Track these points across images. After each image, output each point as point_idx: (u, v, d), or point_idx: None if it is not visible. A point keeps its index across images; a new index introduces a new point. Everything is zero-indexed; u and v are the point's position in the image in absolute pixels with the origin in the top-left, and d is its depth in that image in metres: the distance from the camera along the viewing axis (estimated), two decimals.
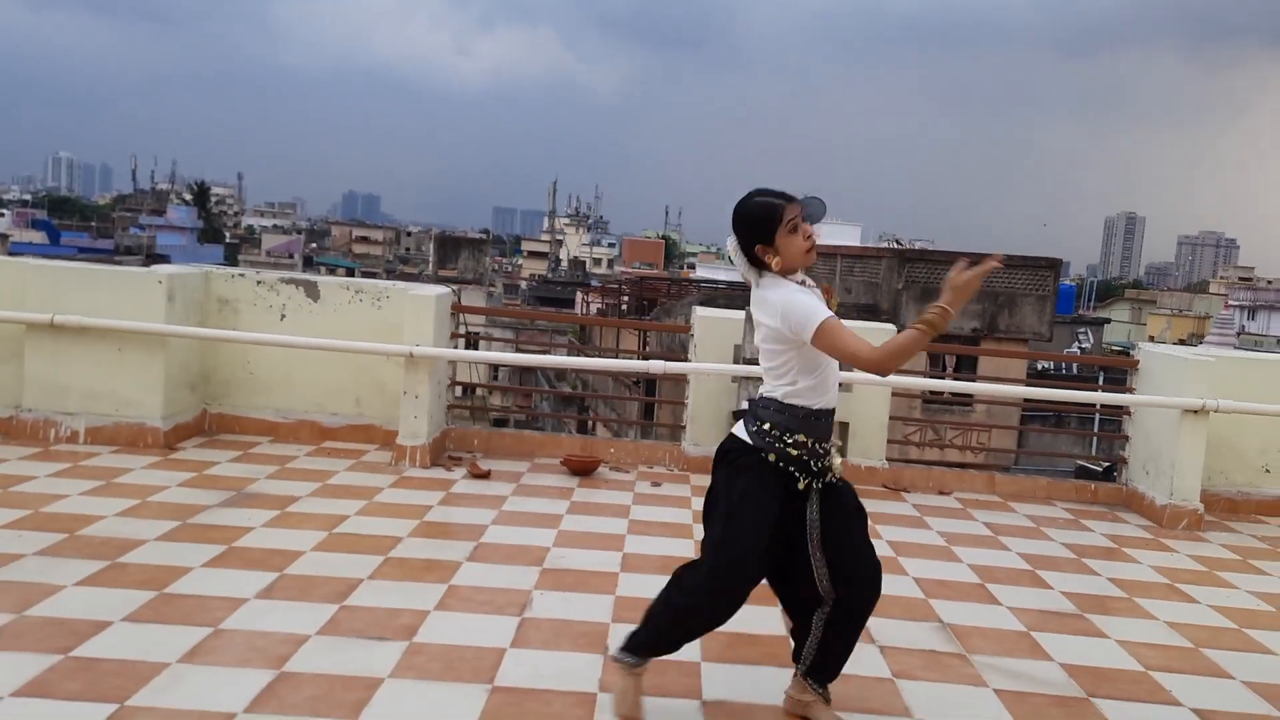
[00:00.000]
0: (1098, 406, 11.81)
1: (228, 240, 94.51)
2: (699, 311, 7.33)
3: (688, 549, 5.39)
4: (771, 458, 3.28)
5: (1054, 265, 21.59)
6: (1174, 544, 6.35)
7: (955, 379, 8.52)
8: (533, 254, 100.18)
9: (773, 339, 3.27)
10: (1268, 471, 7.34)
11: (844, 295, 20.70)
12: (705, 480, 6.99)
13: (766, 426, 3.30)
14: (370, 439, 7.39)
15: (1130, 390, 7.50)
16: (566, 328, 35.79)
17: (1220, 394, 6.77)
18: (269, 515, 5.46)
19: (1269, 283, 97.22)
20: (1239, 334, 67.53)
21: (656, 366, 6.91)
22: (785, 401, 3.29)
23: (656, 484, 6.86)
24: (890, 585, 5.06)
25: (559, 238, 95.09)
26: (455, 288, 8.19)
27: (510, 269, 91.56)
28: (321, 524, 5.38)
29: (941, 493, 7.24)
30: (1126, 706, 3.87)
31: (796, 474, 3.30)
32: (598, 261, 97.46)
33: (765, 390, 3.36)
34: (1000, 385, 9.73)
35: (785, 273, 3.26)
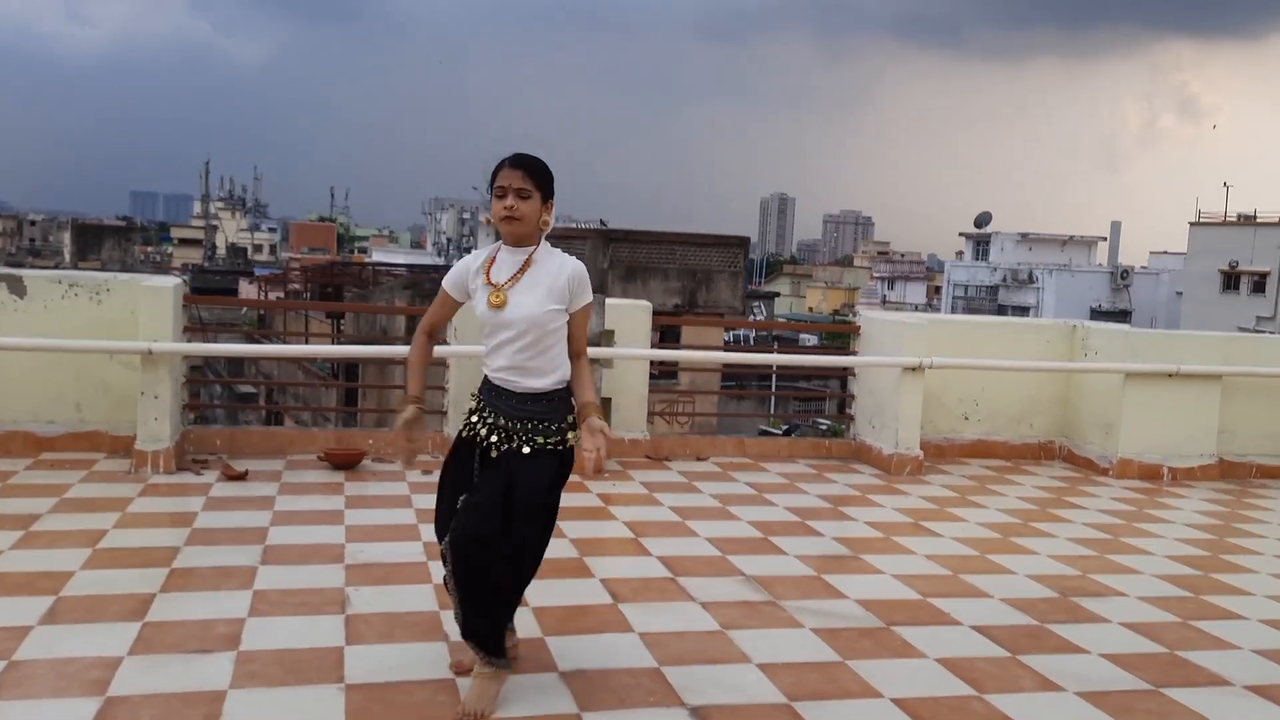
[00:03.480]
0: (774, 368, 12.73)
1: None
2: None
3: None
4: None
5: (743, 243, 23.03)
6: (905, 488, 7.05)
7: (685, 350, 8.97)
8: (184, 241, 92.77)
9: None
10: (966, 419, 8.28)
11: None
12: None
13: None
14: (96, 447, 6.76)
15: (854, 353, 8.20)
16: (237, 319, 33.86)
17: (930, 353, 7.55)
18: (13, 536, 4.92)
19: (902, 256, 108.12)
20: (883, 302, 74.74)
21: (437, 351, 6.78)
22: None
23: (427, 471, 6.75)
24: (688, 546, 5.36)
25: (214, 223, 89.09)
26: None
27: (159, 259, 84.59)
28: (80, 541, 4.91)
29: (699, 458, 7.62)
30: (920, 630, 4.31)
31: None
32: (259, 248, 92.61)
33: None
34: (756, 355, 10.29)
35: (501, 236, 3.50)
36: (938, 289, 78.56)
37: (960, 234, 67.68)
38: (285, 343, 21.87)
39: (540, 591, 4.37)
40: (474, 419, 3.46)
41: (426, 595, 4.42)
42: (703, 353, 8.24)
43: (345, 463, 6.75)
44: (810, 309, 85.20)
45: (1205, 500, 7.17)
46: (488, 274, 3.42)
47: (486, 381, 3.47)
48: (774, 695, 3.60)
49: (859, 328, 8.20)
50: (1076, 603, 4.77)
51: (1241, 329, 32.40)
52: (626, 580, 4.76)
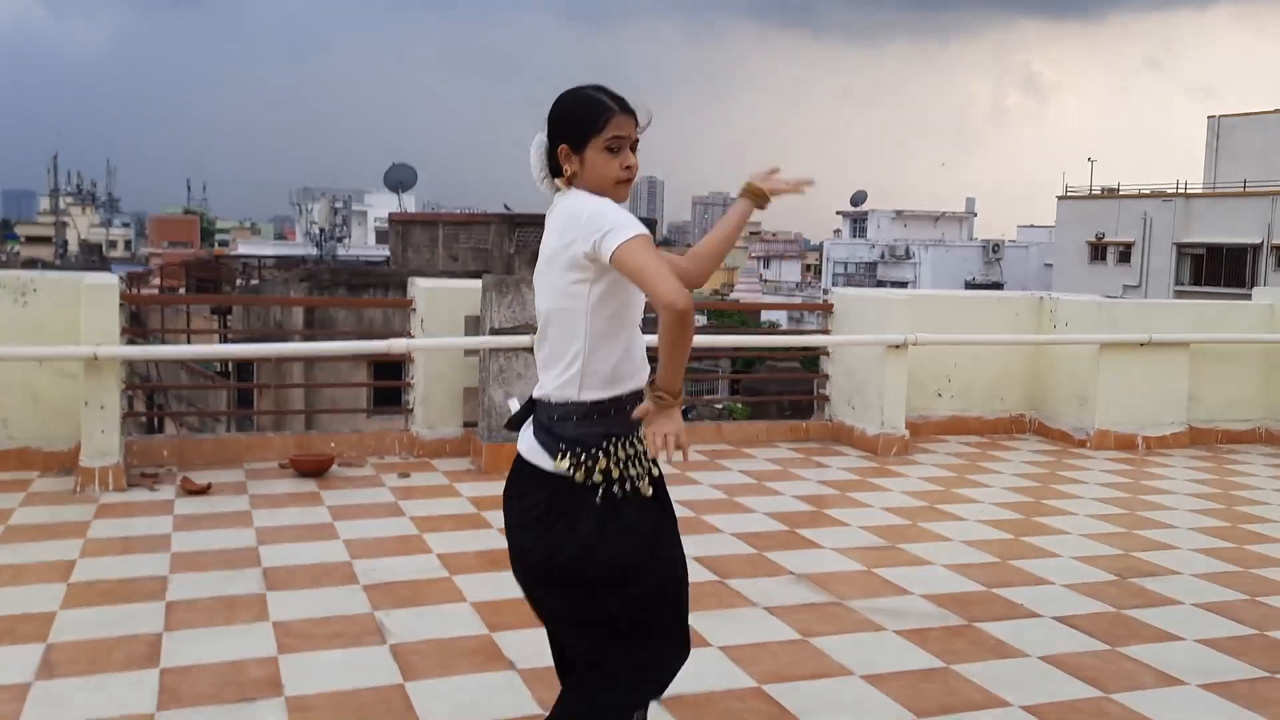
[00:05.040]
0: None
1: None
2: (421, 283, 6.75)
3: (497, 538, 4.93)
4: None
5: (652, 224, 22.80)
6: (899, 469, 6.83)
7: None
8: (32, 239, 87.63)
9: (575, 269, 2.39)
10: (939, 395, 8.14)
11: (450, 264, 20.30)
12: (450, 465, 6.59)
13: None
14: (27, 465, 6.05)
15: (827, 332, 7.97)
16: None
17: (913, 330, 7.35)
18: None
19: (774, 235, 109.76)
20: (761, 281, 75.61)
21: (400, 345, 6.26)
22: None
23: (404, 474, 6.25)
24: (717, 544, 5.03)
25: (64, 219, 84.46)
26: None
27: (5, 258, 79.70)
28: (48, 575, 4.30)
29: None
30: (1005, 625, 4.06)
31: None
32: (114, 244, 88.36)
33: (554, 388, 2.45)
34: (730, 337, 9.97)
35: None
36: (808, 267, 79.95)
37: (838, 212, 68.85)
38: (167, 342, 20.65)
39: None
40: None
41: (467, 616, 3.98)
42: (718, 336, 7.88)
43: (314, 469, 6.18)
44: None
45: (1191, 469, 7.16)
46: None
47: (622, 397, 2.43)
48: (897, 712, 3.30)
49: (831, 306, 7.97)
50: (1140, 585, 4.60)
51: (1109, 297, 33.64)
52: None
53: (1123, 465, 7.18)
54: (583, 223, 2.33)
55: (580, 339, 2.37)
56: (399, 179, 25.34)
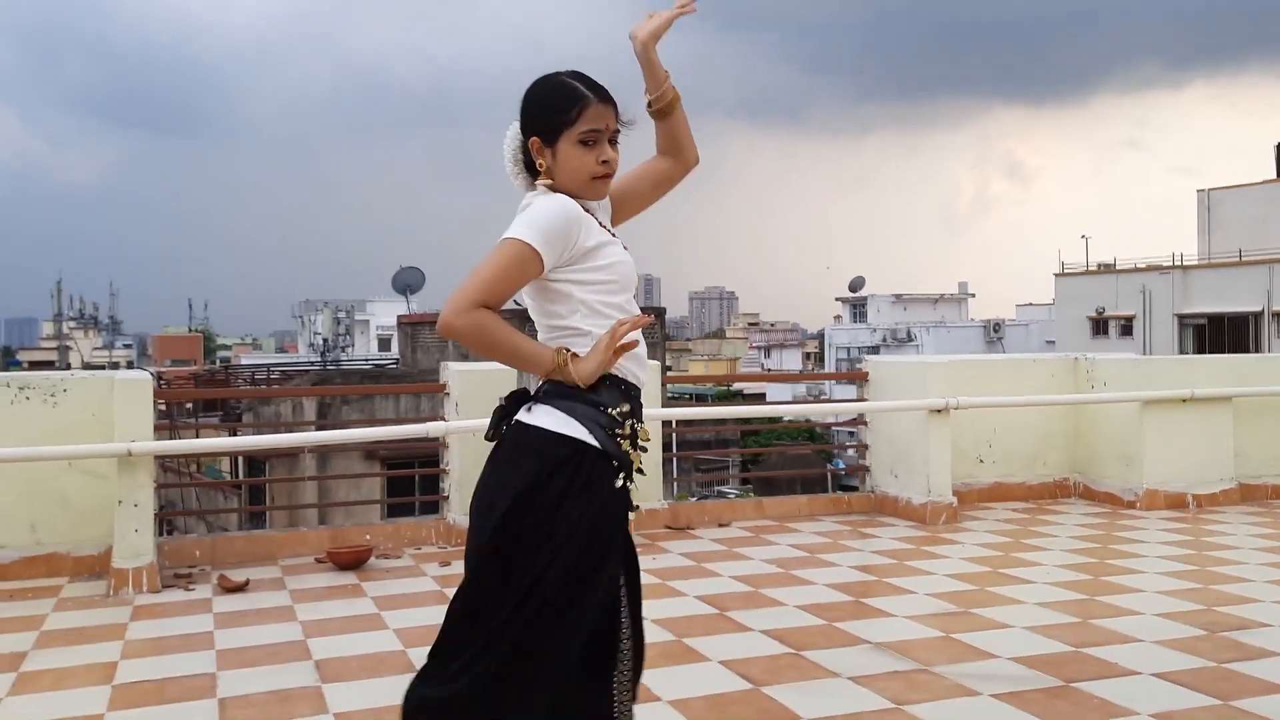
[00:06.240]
0: None
1: None
2: (454, 366, 6.64)
3: None
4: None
5: (660, 313, 22.85)
6: (952, 537, 6.63)
7: (701, 408, 8.38)
8: (35, 364, 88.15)
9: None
10: (981, 461, 7.97)
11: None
12: None
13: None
14: (56, 571, 5.85)
15: (863, 401, 7.83)
16: None
17: (954, 394, 7.22)
18: (5, 679, 4.08)
19: (772, 325, 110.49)
20: (764, 370, 75.69)
21: (439, 428, 6.12)
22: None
23: (445, 564, 6.05)
24: (782, 616, 4.82)
25: (67, 344, 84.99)
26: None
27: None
28: (91, 678, 4.10)
29: (720, 524, 7.08)
30: (1103, 684, 3.85)
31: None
32: (116, 365, 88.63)
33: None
34: (773, 408, 9.83)
35: (561, 192, 2.36)
36: (808, 355, 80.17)
37: (837, 298, 69.30)
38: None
39: (661, 680, 3.79)
40: (625, 446, 2.32)
41: None
42: (719, 409, 7.76)
43: (351, 562, 5.99)
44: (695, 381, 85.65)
45: (1250, 524, 6.95)
46: (604, 227, 2.42)
47: (618, 385, 2.34)
48: None
49: (866, 374, 7.85)
50: (1233, 638, 4.38)
51: None
52: (746, 660, 4.18)
53: (1179, 524, 6.97)
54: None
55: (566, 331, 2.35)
56: (407, 282, 25.46)
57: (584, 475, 2.24)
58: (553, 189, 2.35)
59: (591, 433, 2.26)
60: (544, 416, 2.29)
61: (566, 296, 2.32)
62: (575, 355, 2.29)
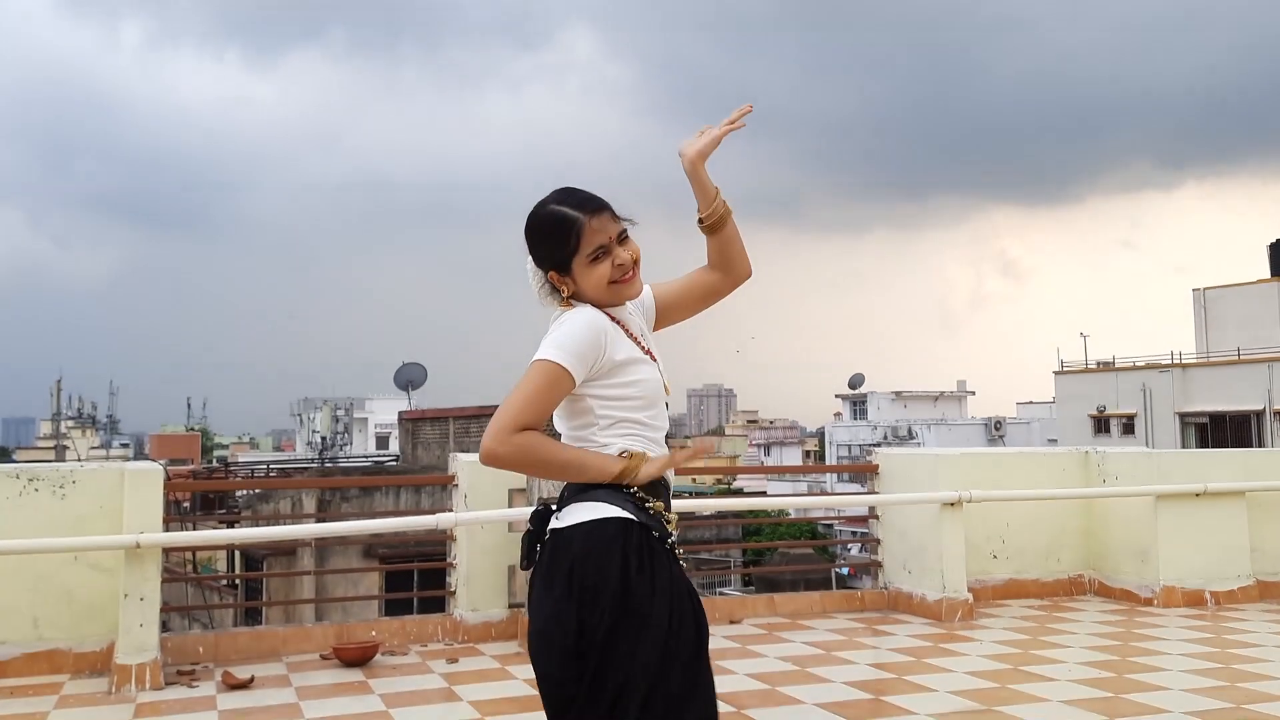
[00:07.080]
0: None
1: None
2: (463, 458, 6.61)
3: None
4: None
5: None
6: (970, 634, 6.52)
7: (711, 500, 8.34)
8: (31, 464, 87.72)
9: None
10: (995, 557, 7.87)
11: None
12: (498, 649, 6.26)
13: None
14: (57, 668, 5.73)
15: (873, 494, 7.77)
16: None
17: (967, 487, 7.17)
18: None
19: (771, 423, 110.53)
20: (763, 467, 75.33)
21: (449, 519, 6.06)
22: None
23: (452, 660, 5.93)
24: (801, 715, 4.70)
25: (64, 443, 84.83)
26: None
27: None
28: None
29: (732, 621, 6.97)
30: None
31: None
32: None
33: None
34: (784, 500, 9.78)
35: (592, 304, 2.45)
36: (808, 453, 79.89)
37: (837, 395, 69.34)
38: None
39: None
40: (658, 509, 2.38)
41: None
42: (726, 500, 7.69)
43: (358, 659, 5.87)
44: (694, 479, 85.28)
45: (1271, 623, 6.84)
46: (634, 339, 2.47)
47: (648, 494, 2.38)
48: None
49: (876, 466, 7.81)
50: None
51: None
52: None
53: (1199, 621, 6.86)
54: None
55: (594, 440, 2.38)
56: (409, 377, 25.54)
57: (635, 542, 2.27)
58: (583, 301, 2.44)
59: (625, 509, 2.30)
60: (577, 513, 2.33)
61: (589, 410, 2.38)
62: (645, 454, 2.36)
